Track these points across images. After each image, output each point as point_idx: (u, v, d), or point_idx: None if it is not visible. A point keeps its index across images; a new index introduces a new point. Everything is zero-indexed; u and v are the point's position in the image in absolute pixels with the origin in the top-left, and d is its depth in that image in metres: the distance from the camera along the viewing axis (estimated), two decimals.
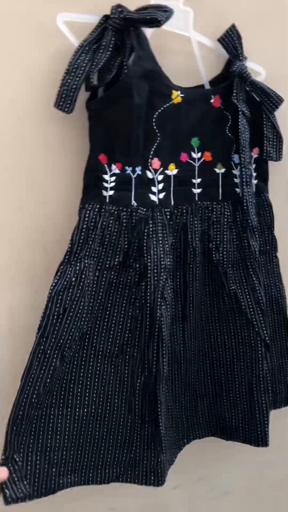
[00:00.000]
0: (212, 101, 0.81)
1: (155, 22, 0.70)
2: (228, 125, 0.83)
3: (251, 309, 0.82)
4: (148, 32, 0.76)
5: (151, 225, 0.76)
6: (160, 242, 0.76)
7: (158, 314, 0.74)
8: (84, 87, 0.72)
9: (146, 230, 0.75)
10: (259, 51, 0.87)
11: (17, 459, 0.69)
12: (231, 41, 0.81)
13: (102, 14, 0.72)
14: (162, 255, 0.76)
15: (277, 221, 0.90)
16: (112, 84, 0.72)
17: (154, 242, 0.75)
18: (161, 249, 0.76)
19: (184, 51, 0.82)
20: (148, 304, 0.74)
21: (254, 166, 0.88)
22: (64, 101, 0.69)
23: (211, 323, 0.85)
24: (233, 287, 0.82)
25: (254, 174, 0.88)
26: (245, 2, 0.87)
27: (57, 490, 0.72)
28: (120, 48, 0.73)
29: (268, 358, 0.83)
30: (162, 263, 0.75)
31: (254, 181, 0.88)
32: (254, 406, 0.83)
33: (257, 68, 0.87)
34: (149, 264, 0.74)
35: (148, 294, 0.74)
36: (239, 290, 0.82)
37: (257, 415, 0.83)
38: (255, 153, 0.87)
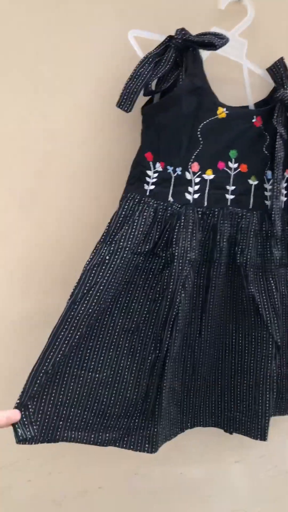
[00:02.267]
0: (253, 120, 0.90)
1: (212, 46, 0.81)
2: (266, 144, 0.92)
3: (267, 312, 0.88)
4: (205, 55, 0.87)
5: (182, 221, 0.85)
6: (189, 237, 0.85)
7: (177, 300, 0.82)
8: (143, 92, 0.83)
9: (177, 224, 0.84)
10: None
11: (30, 406, 0.76)
12: (278, 71, 0.91)
13: (167, 34, 0.84)
14: (188, 249, 0.84)
15: None
16: (166, 94, 0.83)
17: (183, 236, 0.84)
18: (189, 243, 0.84)
19: (236, 75, 0.92)
20: (170, 290, 0.82)
21: (286, 184, 0.96)
22: (125, 102, 0.81)
23: (228, 320, 0.92)
24: (252, 289, 0.88)
25: (285, 192, 0.96)
26: None
27: (60, 440, 0.79)
28: (178, 65, 0.84)
29: (277, 358, 0.89)
30: (188, 255, 0.84)
31: (284, 198, 0.96)
32: (258, 401, 0.88)
33: None
34: (176, 254, 0.83)
35: (172, 281, 0.82)
36: (257, 293, 0.89)
37: (259, 410, 0.88)
38: (287, 173, 0.96)
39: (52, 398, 0.78)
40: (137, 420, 0.84)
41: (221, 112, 0.88)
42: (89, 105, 0.88)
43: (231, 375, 0.92)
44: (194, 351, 0.90)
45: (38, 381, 0.76)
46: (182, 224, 0.85)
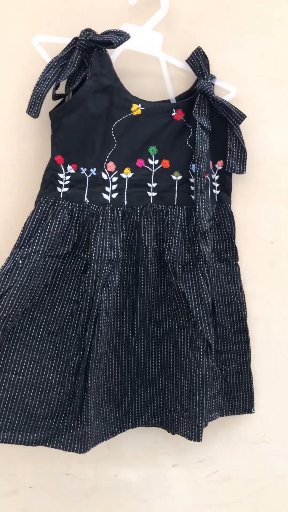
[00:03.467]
0: (173, 114, 0.89)
1: (110, 44, 0.80)
2: (189, 137, 0.90)
3: (197, 308, 0.86)
4: (118, 52, 0.87)
5: (101, 221, 0.85)
6: (108, 236, 0.84)
7: (98, 300, 0.82)
8: (52, 96, 0.84)
9: (95, 225, 0.84)
10: (230, 71, 0.94)
11: None
12: (196, 61, 0.89)
13: (74, 37, 0.84)
14: (108, 249, 0.84)
15: (238, 231, 0.95)
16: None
17: (101, 236, 0.84)
18: (108, 243, 0.84)
19: (153, 70, 0.91)
20: (89, 291, 0.82)
21: (217, 177, 0.93)
22: (33, 108, 0.82)
23: (161, 318, 0.91)
24: (181, 286, 0.86)
25: (217, 185, 0.93)
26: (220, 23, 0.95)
27: None
28: (86, 66, 0.84)
29: (209, 357, 0.87)
30: (107, 255, 0.83)
31: (217, 192, 0.93)
32: (192, 401, 0.86)
33: (227, 86, 0.93)
34: (93, 255, 0.83)
35: (90, 282, 0.83)
36: (188, 290, 0.87)
37: (193, 410, 0.86)
38: (219, 165, 0.93)
39: None
40: (66, 420, 0.84)
41: (136, 109, 0.87)
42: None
43: (170, 375, 0.91)
44: (128, 350, 0.90)
45: None
46: (100, 224, 0.84)
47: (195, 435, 0.85)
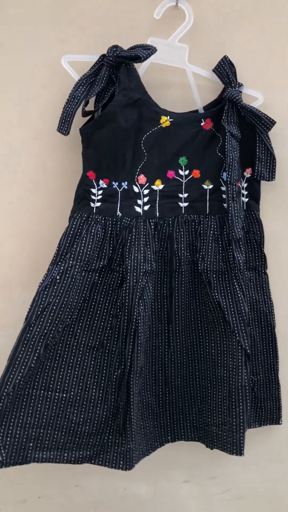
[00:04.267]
0: (202, 124, 0.89)
1: (138, 59, 0.81)
2: (219, 145, 0.90)
3: (234, 318, 0.85)
4: (145, 65, 0.88)
5: (134, 233, 0.85)
6: (142, 249, 0.85)
7: (135, 313, 0.82)
8: (81, 113, 0.85)
9: (129, 238, 0.85)
10: (258, 78, 0.94)
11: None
12: (223, 70, 0.89)
13: (101, 54, 0.85)
14: (142, 261, 0.84)
15: (267, 239, 0.94)
16: None
17: (136, 248, 0.84)
18: (142, 255, 0.84)
19: (181, 81, 0.91)
20: (126, 304, 0.83)
21: (246, 185, 0.93)
22: (63, 126, 0.83)
23: (198, 329, 0.90)
24: (216, 296, 0.86)
25: (246, 192, 0.93)
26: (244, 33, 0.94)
27: (31, 461, 0.81)
28: (114, 81, 0.85)
29: (248, 367, 0.85)
30: (142, 267, 0.84)
31: (245, 199, 0.93)
32: (232, 414, 0.84)
33: (255, 93, 0.93)
34: (128, 268, 0.83)
35: (127, 295, 0.83)
36: (223, 300, 0.86)
37: (234, 423, 0.84)
38: (248, 173, 0.93)
39: (20, 421, 0.81)
40: (110, 437, 0.84)
41: (165, 121, 0.87)
42: (38, 126, 0.92)
43: (207, 387, 0.89)
44: (164, 363, 0.89)
45: (2, 406, 0.79)
46: (133, 236, 0.85)
47: (237, 449, 0.83)
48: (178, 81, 0.91)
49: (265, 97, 0.93)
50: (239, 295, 0.86)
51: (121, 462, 0.82)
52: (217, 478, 0.99)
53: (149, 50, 0.82)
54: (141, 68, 0.88)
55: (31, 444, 0.82)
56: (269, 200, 0.96)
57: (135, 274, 0.83)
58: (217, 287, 0.87)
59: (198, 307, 0.90)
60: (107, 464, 0.83)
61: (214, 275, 0.87)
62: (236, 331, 0.85)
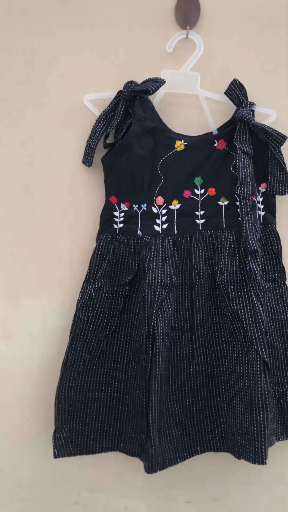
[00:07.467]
0: (215, 144, 0.95)
1: (147, 92, 0.90)
2: (233, 163, 0.95)
3: (251, 327, 0.89)
4: (159, 95, 0.96)
5: (153, 250, 0.93)
6: (160, 263, 0.92)
7: (153, 323, 0.88)
8: (103, 145, 0.95)
9: (148, 254, 0.92)
10: (270, 95, 0.98)
11: (66, 429, 0.93)
12: (234, 93, 0.94)
13: (118, 90, 0.94)
14: (161, 274, 0.91)
15: (285, 250, 0.97)
16: None
17: (154, 264, 0.92)
18: (161, 269, 0.91)
19: (194, 106, 0.98)
20: (145, 315, 0.89)
21: (261, 199, 0.97)
22: (87, 158, 0.94)
23: (218, 340, 0.94)
24: (234, 307, 0.90)
25: (262, 206, 0.97)
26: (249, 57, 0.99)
27: (94, 452, 0.94)
28: (130, 114, 0.94)
29: (267, 375, 0.87)
30: (161, 281, 0.91)
31: (262, 213, 0.97)
32: (253, 422, 0.86)
33: (267, 111, 0.97)
34: (147, 281, 0.90)
35: (146, 306, 0.90)
36: (241, 310, 0.90)
37: (255, 432, 0.85)
38: (263, 188, 0.97)
39: (81, 419, 0.94)
40: (145, 437, 0.90)
41: (179, 145, 0.94)
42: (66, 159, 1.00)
43: (232, 397, 0.92)
44: (189, 373, 0.94)
45: (61, 406, 0.92)
46: (152, 253, 0.92)
47: (259, 458, 0.84)
48: (192, 107, 0.98)
49: (277, 113, 0.97)
50: (256, 304, 0.90)
51: (147, 464, 0.87)
52: (219, 499, 0.98)
53: (157, 83, 0.90)
54: (156, 98, 0.96)
55: (92, 437, 0.94)
56: (285, 213, 0.99)
57: (153, 287, 0.90)
58: (235, 298, 0.91)
59: (219, 318, 0.94)
60: (146, 463, 0.88)
61: (232, 287, 0.92)
62: (254, 340, 0.88)
